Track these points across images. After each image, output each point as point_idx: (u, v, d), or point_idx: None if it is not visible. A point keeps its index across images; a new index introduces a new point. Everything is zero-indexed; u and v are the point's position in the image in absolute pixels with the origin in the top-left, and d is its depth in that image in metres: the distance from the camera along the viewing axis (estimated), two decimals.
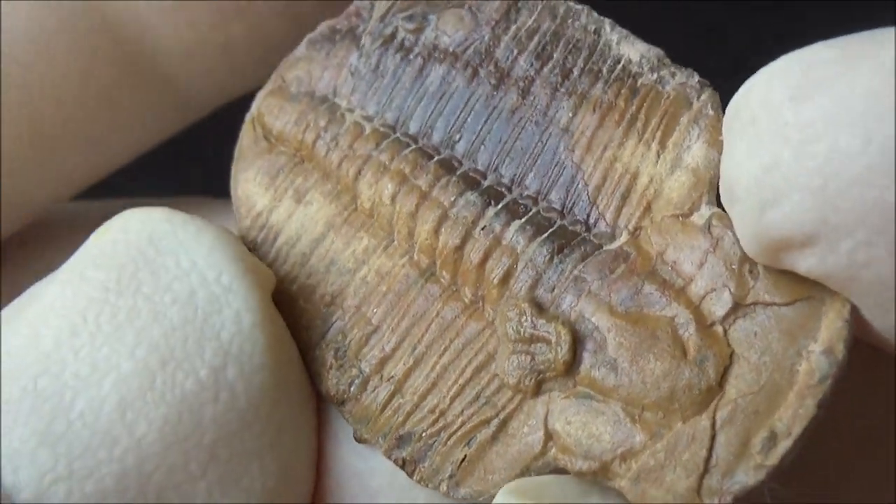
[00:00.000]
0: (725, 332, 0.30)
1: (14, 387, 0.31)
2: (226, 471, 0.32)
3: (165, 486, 0.31)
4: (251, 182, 0.36)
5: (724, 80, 0.33)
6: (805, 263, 0.28)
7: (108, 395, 0.31)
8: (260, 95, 0.37)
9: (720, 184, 0.30)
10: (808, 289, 0.30)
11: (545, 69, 0.34)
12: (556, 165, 0.33)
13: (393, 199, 0.34)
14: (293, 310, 0.34)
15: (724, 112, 0.30)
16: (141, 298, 0.32)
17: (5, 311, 0.33)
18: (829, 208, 0.27)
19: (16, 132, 0.38)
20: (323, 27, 0.37)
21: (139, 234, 0.33)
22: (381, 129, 0.35)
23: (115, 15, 0.37)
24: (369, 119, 0.35)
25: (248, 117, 0.37)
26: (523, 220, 0.32)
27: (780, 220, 0.28)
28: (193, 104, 0.41)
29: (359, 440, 0.33)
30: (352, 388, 0.33)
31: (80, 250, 0.33)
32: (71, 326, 0.32)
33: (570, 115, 0.33)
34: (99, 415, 0.31)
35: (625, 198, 0.32)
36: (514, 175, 0.33)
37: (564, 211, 0.33)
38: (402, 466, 0.32)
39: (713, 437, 0.29)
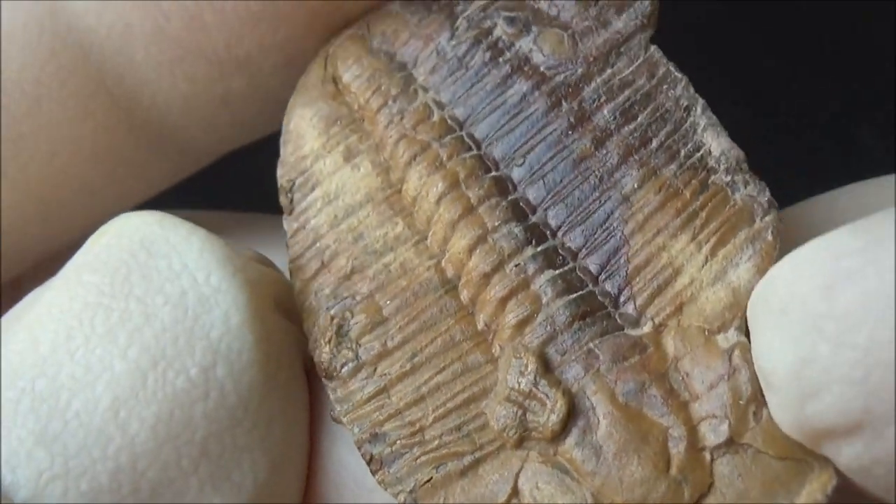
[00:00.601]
0: (712, 461, 0.30)
1: (13, 389, 0.32)
2: (217, 466, 0.32)
3: (158, 483, 0.32)
4: (306, 120, 0.35)
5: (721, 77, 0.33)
6: (850, 451, 0.28)
7: (101, 395, 0.32)
8: (340, 35, 0.36)
9: (757, 367, 0.30)
10: (803, 452, 0.30)
11: (626, 128, 0.33)
12: (605, 230, 0.32)
13: (439, 200, 0.33)
14: (311, 263, 0.34)
15: (779, 240, 0.31)
16: (133, 301, 0.33)
17: (5, 316, 0.34)
18: (873, 398, 0.27)
19: (10, 186, 0.37)
20: None
21: (132, 238, 0.34)
22: (449, 121, 0.34)
23: (111, 68, 0.36)
24: (440, 106, 0.35)
25: (322, 51, 0.36)
26: (557, 272, 0.32)
27: (822, 412, 0.28)
28: (195, 155, 0.40)
29: (334, 419, 0.33)
30: (343, 370, 0.33)
31: (77, 255, 0.35)
32: (67, 330, 0.33)
33: (635, 185, 0.32)
34: (93, 414, 0.32)
35: (661, 289, 0.32)
36: (562, 222, 0.33)
37: (599, 278, 0.32)
38: (369, 462, 0.33)
39: None
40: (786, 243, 0.31)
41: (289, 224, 0.35)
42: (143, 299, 0.33)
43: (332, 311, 0.34)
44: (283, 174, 0.35)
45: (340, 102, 0.35)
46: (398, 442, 0.32)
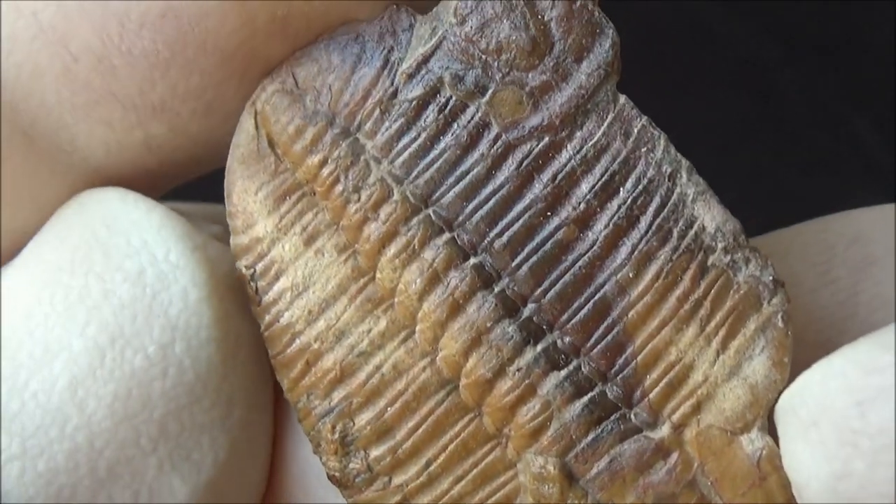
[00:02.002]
0: None
1: None
2: (176, 445, 0.32)
3: (116, 462, 0.31)
4: (251, 195, 0.33)
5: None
6: None
7: (59, 374, 0.32)
8: (267, 88, 0.33)
9: (789, 477, 0.30)
10: None
11: (610, 205, 0.31)
12: (606, 324, 0.31)
13: (420, 297, 0.32)
14: (295, 362, 0.32)
15: (791, 325, 0.30)
16: (93, 277, 0.33)
17: None
18: None
19: None
20: (347, 31, 0.32)
21: (93, 214, 0.34)
22: (412, 199, 0.32)
23: (25, 111, 0.34)
24: (398, 180, 0.32)
25: (249, 105, 0.33)
26: (562, 374, 0.31)
27: None
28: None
29: None
30: (356, 480, 0.32)
31: (39, 233, 0.34)
32: (27, 308, 0.33)
33: (631, 274, 0.31)
34: (51, 394, 0.32)
35: (674, 387, 0.31)
36: (557, 315, 0.31)
37: (607, 376, 0.31)
38: None
39: None
40: (779, 268, 0.30)
41: (259, 315, 0.33)
42: (102, 276, 0.33)
43: (331, 420, 0.32)
44: (240, 259, 0.33)
45: (284, 173, 0.32)
46: None
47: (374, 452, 0.32)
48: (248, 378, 0.33)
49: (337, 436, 0.32)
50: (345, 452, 0.32)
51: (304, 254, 0.32)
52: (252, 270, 0.33)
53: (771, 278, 0.31)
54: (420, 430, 0.32)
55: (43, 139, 0.34)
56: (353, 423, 0.32)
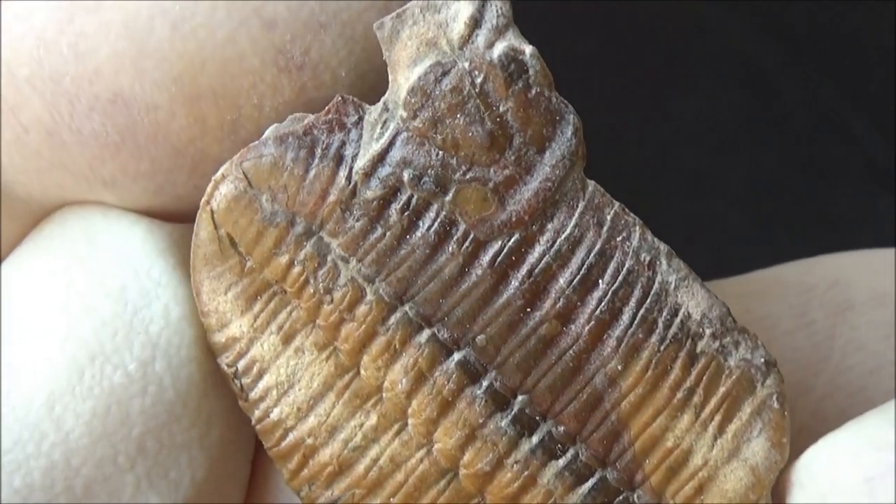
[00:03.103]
0: None
1: None
2: (154, 463, 0.32)
3: (93, 480, 0.31)
4: (221, 295, 0.32)
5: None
6: None
7: (37, 389, 0.31)
8: (220, 188, 0.31)
9: None
10: None
11: (590, 298, 0.30)
12: (599, 414, 0.31)
13: (408, 396, 0.31)
14: (292, 455, 0.32)
15: (787, 406, 0.30)
16: (73, 293, 0.32)
17: None
18: None
19: None
20: (293, 124, 0.31)
21: (74, 229, 0.33)
22: (386, 297, 0.31)
23: None
24: (369, 280, 0.31)
25: (204, 204, 0.32)
26: (561, 463, 0.31)
27: None
28: None
29: None
30: None
31: (19, 248, 0.34)
32: (6, 322, 0.32)
33: (620, 367, 0.30)
34: (29, 409, 0.31)
35: (674, 471, 0.31)
36: (550, 405, 0.31)
37: (606, 461, 0.31)
38: None
39: None
40: (757, 307, 0.31)
41: (248, 410, 0.32)
42: (82, 292, 0.32)
43: None
44: (220, 356, 0.32)
45: (252, 273, 0.32)
46: None
47: None
48: (227, 397, 0.33)
49: None
50: None
51: (284, 352, 0.32)
52: (234, 368, 0.32)
53: (763, 360, 0.30)
54: None
55: None
56: None
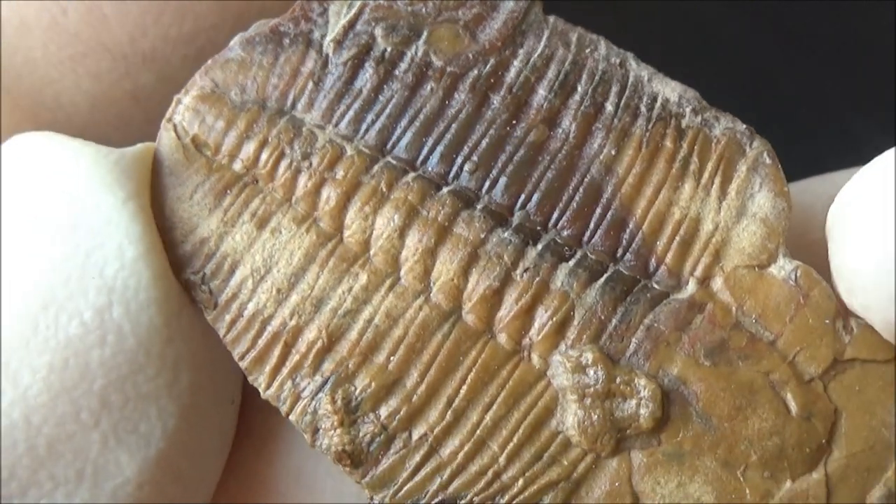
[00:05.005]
0: (825, 387, 0.29)
1: None
2: (121, 418, 0.29)
3: (56, 439, 0.29)
4: (185, 202, 0.31)
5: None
6: None
7: None
8: (183, 100, 0.32)
9: (832, 277, 0.30)
10: None
11: (572, 99, 0.31)
12: (601, 206, 0.30)
13: (401, 233, 0.30)
14: (271, 351, 0.30)
15: (777, 159, 0.31)
16: (16, 234, 0.30)
17: None
18: None
19: None
20: (260, 26, 0.32)
21: (17, 161, 0.30)
22: (367, 151, 0.31)
23: (9, 68, 0.34)
24: (348, 139, 0.31)
25: (166, 121, 0.32)
26: (572, 264, 0.30)
27: None
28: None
29: None
30: (371, 447, 0.30)
31: None
32: None
33: (613, 152, 0.31)
34: None
35: (687, 244, 0.30)
36: (549, 214, 0.30)
37: (617, 254, 0.30)
38: None
39: (828, 494, 0.29)
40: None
41: (218, 320, 0.30)
42: (28, 233, 0.30)
43: (329, 392, 0.30)
44: (184, 270, 0.31)
45: (220, 169, 0.31)
46: (475, 499, 0.29)
47: (386, 409, 0.30)
48: (193, 340, 0.30)
49: (339, 404, 0.30)
50: (352, 420, 0.30)
51: (259, 237, 0.31)
52: (201, 274, 0.31)
53: (744, 127, 0.31)
54: (432, 370, 0.30)
55: (26, 98, 0.34)
56: (355, 386, 0.30)
